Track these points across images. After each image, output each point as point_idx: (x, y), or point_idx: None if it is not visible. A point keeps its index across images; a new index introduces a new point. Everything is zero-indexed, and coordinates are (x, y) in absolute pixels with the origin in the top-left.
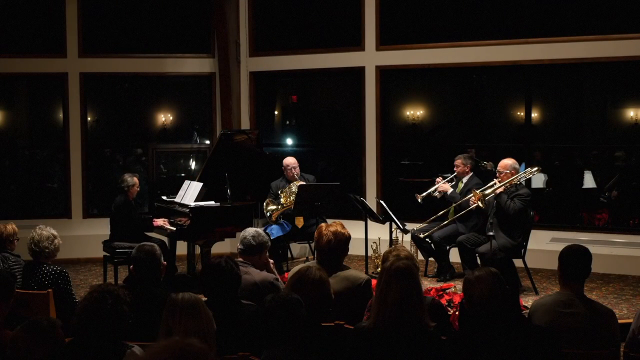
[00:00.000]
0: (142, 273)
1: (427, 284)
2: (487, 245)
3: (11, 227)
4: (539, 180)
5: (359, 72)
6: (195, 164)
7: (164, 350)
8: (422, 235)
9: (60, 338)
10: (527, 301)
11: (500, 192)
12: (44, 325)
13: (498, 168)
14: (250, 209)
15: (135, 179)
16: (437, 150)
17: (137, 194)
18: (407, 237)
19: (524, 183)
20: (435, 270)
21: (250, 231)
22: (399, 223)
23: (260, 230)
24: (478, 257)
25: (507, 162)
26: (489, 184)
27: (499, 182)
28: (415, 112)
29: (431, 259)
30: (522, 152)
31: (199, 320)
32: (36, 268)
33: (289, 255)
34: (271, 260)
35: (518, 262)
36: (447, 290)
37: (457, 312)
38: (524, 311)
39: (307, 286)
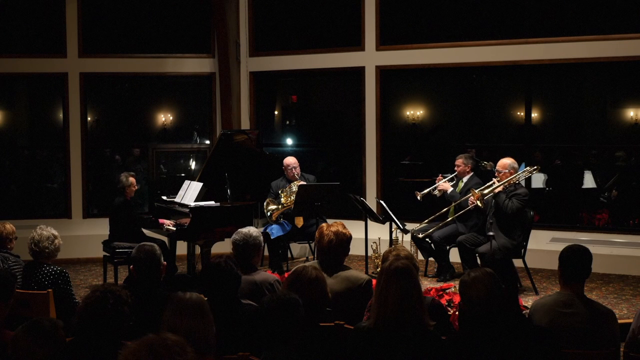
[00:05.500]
0: (142, 273)
1: (427, 284)
2: (487, 245)
3: (10, 226)
4: (539, 180)
5: (359, 72)
6: (195, 164)
7: (140, 346)
8: (421, 236)
9: (62, 339)
10: (527, 301)
11: (499, 192)
12: (45, 325)
13: (497, 167)
14: (250, 208)
15: (132, 179)
16: (437, 150)
17: (137, 193)
18: (407, 237)
19: (523, 183)
20: (435, 270)
21: (241, 233)
22: (399, 223)
23: (251, 231)
24: (478, 257)
25: (506, 162)
26: (487, 184)
27: (498, 181)
28: (415, 112)
29: (431, 259)
30: (522, 152)
31: (203, 321)
32: (36, 268)
33: (289, 255)
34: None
35: (518, 262)
36: (447, 290)
37: (457, 312)
38: (524, 311)
39: (304, 286)
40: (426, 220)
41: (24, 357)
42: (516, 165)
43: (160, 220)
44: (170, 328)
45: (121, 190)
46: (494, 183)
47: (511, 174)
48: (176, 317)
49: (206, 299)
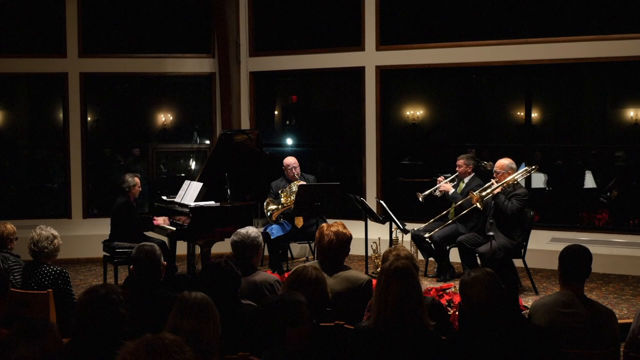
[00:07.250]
0: (142, 273)
1: (427, 284)
2: (487, 245)
3: (10, 226)
4: (539, 180)
5: (359, 72)
6: (195, 164)
7: (138, 346)
8: (426, 236)
9: (56, 337)
10: (527, 301)
11: (498, 193)
12: (37, 324)
13: (495, 168)
14: (250, 208)
15: (137, 179)
16: (437, 150)
17: (138, 193)
18: (407, 237)
19: (523, 183)
20: (435, 270)
21: (239, 234)
22: (399, 223)
23: (250, 231)
24: (478, 257)
25: (504, 162)
26: (486, 185)
27: (496, 182)
28: (415, 112)
29: (431, 259)
30: (522, 152)
31: (205, 323)
32: (36, 268)
33: (289, 255)
34: None
35: (518, 262)
36: (447, 290)
37: (457, 312)
38: (524, 311)
39: (304, 286)
40: (428, 223)
41: (18, 356)
42: (514, 166)
43: (154, 220)
44: (172, 328)
45: (126, 190)
46: (492, 184)
47: (509, 175)
48: (177, 317)
49: None
